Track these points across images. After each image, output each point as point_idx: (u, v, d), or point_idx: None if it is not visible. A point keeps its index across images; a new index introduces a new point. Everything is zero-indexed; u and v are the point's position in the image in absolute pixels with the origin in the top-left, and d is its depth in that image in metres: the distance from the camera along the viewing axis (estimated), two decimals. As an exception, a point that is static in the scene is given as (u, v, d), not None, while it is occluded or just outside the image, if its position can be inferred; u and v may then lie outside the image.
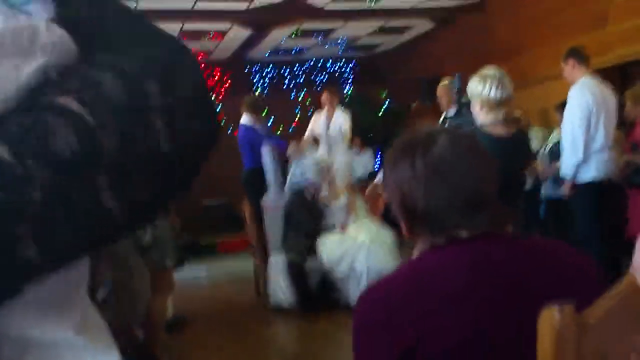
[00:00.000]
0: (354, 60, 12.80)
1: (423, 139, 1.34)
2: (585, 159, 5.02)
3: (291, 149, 6.86)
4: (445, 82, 6.33)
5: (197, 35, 9.93)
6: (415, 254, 1.39)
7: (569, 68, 5.27)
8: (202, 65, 11.61)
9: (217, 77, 11.89)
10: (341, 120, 7.54)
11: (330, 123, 7.47)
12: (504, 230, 1.37)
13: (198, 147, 0.51)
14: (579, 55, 5.25)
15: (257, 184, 7.04)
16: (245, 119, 7.17)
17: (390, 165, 1.37)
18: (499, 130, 3.46)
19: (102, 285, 4.86)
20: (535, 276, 1.26)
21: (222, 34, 10.02)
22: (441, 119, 6.50)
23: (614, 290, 0.87)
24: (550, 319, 0.83)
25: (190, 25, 9.32)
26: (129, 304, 4.33)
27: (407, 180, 1.31)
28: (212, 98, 0.55)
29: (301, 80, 12.49)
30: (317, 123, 7.60)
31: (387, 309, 1.21)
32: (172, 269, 4.72)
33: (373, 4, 8.82)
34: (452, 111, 6.15)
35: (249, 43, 10.71)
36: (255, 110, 7.13)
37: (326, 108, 7.51)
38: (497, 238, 1.31)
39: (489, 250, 1.27)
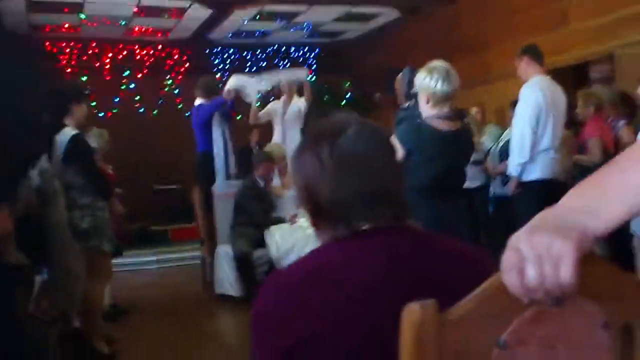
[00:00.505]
0: (318, 48, 12.59)
1: (331, 129, 1.31)
2: (532, 159, 4.97)
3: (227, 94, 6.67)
4: (401, 74, 6.19)
5: (155, 11, 9.60)
6: (319, 244, 1.35)
7: (523, 65, 5.24)
8: (160, 45, 11.31)
9: (175, 57, 11.55)
10: (300, 106, 7.37)
11: (288, 108, 7.29)
12: (407, 225, 1.35)
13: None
14: (533, 54, 5.21)
15: (208, 170, 6.81)
16: (198, 102, 6.92)
17: (297, 154, 1.35)
18: (443, 125, 3.46)
19: (38, 272, 4.69)
20: (435, 271, 1.26)
21: (181, 11, 9.70)
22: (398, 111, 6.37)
23: (479, 288, 0.89)
24: (412, 316, 0.85)
25: (147, 1, 8.99)
26: (65, 292, 4.15)
27: (313, 170, 1.29)
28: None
29: (263, 65, 12.23)
30: (274, 107, 7.41)
31: (285, 300, 1.20)
32: (109, 256, 4.54)
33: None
34: (407, 103, 6.01)
35: (209, 23, 10.42)
36: (208, 92, 6.87)
37: (284, 95, 7.33)
38: (400, 232, 1.30)
39: (391, 244, 1.26)
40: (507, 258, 0.83)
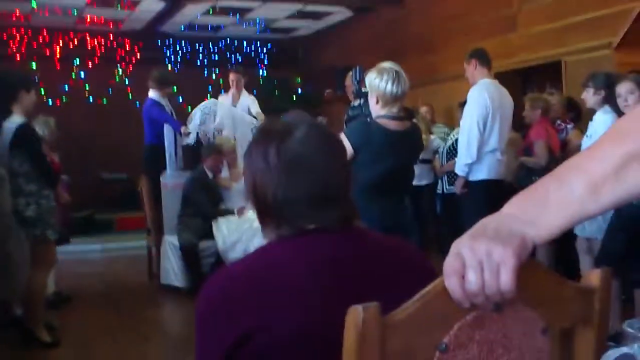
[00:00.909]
0: (270, 43, 12.66)
1: (280, 129, 1.33)
2: (478, 159, 5.12)
3: (185, 131, 6.69)
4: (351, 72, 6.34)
5: (108, 1, 9.53)
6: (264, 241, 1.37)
7: (471, 68, 5.36)
8: (112, 35, 11.21)
9: (127, 48, 11.47)
10: (249, 102, 7.39)
11: (237, 105, 7.31)
12: (352, 225, 1.36)
13: None
14: (481, 57, 5.34)
15: (156, 161, 6.83)
16: (152, 93, 6.92)
17: (248, 151, 1.37)
18: (393, 125, 3.50)
19: None
20: (377, 273, 1.29)
21: (134, 3, 9.66)
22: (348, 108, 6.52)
23: (422, 292, 0.89)
24: (355, 318, 0.85)
25: (100, -8, 8.95)
26: (8, 279, 4.15)
27: (260, 169, 1.30)
28: None
29: (215, 59, 12.24)
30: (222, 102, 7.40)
31: (226, 297, 1.23)
32: (53, 244, 4.53)
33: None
34: (358, 101, 6.17)
35: (162, 16, 10.39)
36: (162, 84, 6.89)
37: (232, 90, 7.34)
38: (344, 233, 1.31)
39: (333, 244, 1.28)
40: (449, 263, 0.85)
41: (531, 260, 0.89)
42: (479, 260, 0.84)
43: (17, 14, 10.05)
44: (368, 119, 3.69)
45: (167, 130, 6.77)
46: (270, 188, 1.28)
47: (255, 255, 1.33)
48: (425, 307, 0.88)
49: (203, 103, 7.02)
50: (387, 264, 1.32)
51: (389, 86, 3.46)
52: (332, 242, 1.28)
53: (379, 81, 3.49)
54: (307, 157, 1.29)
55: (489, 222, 0.89)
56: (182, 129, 6.69)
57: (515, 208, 0.91)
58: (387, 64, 3.58)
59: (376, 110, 3.55)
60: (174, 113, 7.06)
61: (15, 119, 4.09)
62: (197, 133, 6.68)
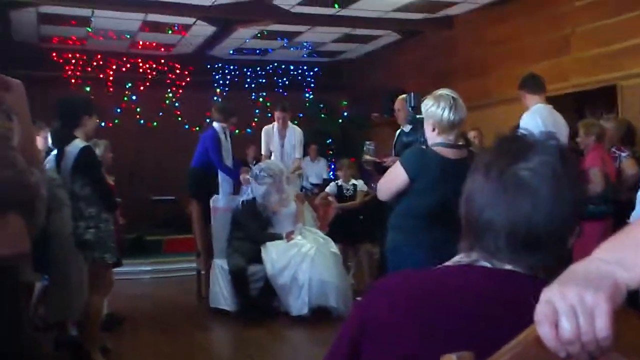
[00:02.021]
0: (317, 66, 12.75)
1: (518, 149, 1.20)
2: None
3: (243, 178, 6.75)
4: (403, 95, 6.31)
5: (160, 27, 9.74)
6: (455, 260, 1.30)
7: (524, 93, 5.29)
8: (163, 59, 11.46)
9: (177, 71, 11.70)
10: (295, 136, 7.41)
11: (285, 141, 7.32)
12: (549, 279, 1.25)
13: None
14: (535, 82, 5.28)
15: (201, 184, 6.93)
16: (215, 124, 7.05)
17: (479, 158, 1.28)
18: (449, 153, 3.44)
19: (39, 279, 4.75)
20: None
21: (186, 28, 9.86)
22: (397, 132, 6.48)
23: (515, 340, 0.86)
24: None
25: (153, 17, 9.14)
26: (65, 300, 4.23)
27: (477, 181, 1.22)
28: None
29: (262, 82, 12.38)
30: (271, 140, 7.38)
31: (391, 307, 1.18)
32: (111, 268, 4.60)
33: (339, 8, 8.76)
34: (408, 126, 6.13)
35: (212, 40, 10.57)
36: (227, 115, 7.03)
37: (278, 125, 7.30)
38: (532, 282, 1.16)
39: (512, 292, 1.16)
40: (541, 311, 0.82)
41: (623, 307, 0.85)
42: (571, 306, 0.80)
43: (74, 39, 10.35)
44: (424, 146, 3.64)
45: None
46: (478, 204, 1.21)
47: (433, 275, 1.26)
48: (518, 355, 0.85)
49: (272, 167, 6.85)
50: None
51: (446, 113, 3.40)
52: (513, 286, 1.17)
53: (435, 108, 3.42)
54: (530, 187, 1.15)
55: (577, 268, 0.86)
56: (242, 178, 6.74)
57: (604, 252, 0.88)
58: (444, 91, 3.52)
59: (432, 137, 3.49)
60: (230, 143, 7.13)
61: (77, 143, 4.18)
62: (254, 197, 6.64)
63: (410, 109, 4.31)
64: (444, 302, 1.17)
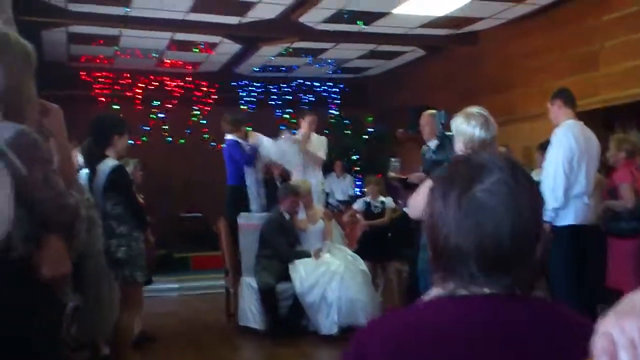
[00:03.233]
0: (341, 83, 12.78)
1: (470, 172, 1.21)
2: (564, 204, 4.95)
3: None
4: (429, 111, 6.30)
5: (187, 46, 9.85)
6: (432, 294, 1.28)
7: (555, 109, 5.19)
8: (189, 77, 11.58)
9: (203, 89, 11.80)
10: (319, 144, 7.41)
11: (309, 146, 7.31)
12: (527, 293, 1.23)
13: None
14: (566, 97, 5.18)
15: (236, 202, 6.94)
16: (229, 136, 7.08)
17: (433, 185, 1.27)
18: None
19: (79, 301, 4.78)
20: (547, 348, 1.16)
21: (212, 46, 9.96)
22: (423, 148, 6.46)
23: None
24: None
25: (180, 36, 9.25)
26: (96, 319, 4.24)
27: (438, 208, 1.22)
28: None
29: (287, 99, 12.44)
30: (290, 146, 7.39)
31: (382, 350, 1.17)
32: (141, 286, 4.61)
33: (363, 25, 8.79)
34: (434, 142, 6.11)
35: (238, 58, 10.66)
36: (237, 125, 7.04)
37: (305, 131, 7.31)
38: (513, 301, 1.19)
39: (498, 315, 1.17)
40: (599, 343, 0.79)
41: None
42: (630, 340, 0.76)
43: (101, 58, 10.51)
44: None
45: (249, 171, 6.89)
46: (442, 233, 1.20)
47: (418, 311, 1.25)
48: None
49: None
50: (556, 341, 1.18)
51: (477, 131, 3.40)
52: (500, 311, 1.18)
53: (466, 126, 3.43)
54: (490, 208, 1.16)
55: (635, 297, 0.82)
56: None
57: None
58: (474, 109, 3.52)
59: (463, 155, 3.51)
60: (254, 149, 7.14)
61: (109, 162, 4.22)
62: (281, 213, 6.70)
63: (439, 126, 4.31)
64: (443, 340, 1.16)
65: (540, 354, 1.16)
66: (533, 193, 1.23)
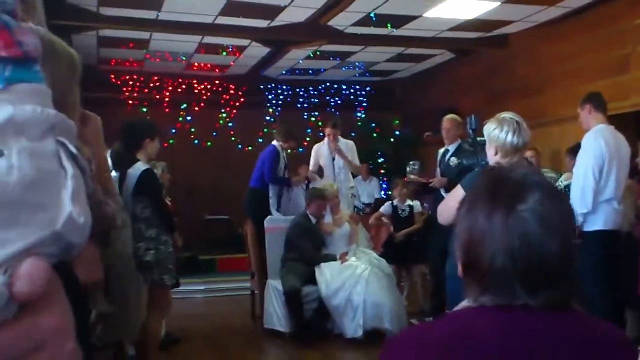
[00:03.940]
0: (368, 86, 12.76)
1: (512, 190, 1.21)
2: (594, 209, 4.89)
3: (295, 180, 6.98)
4: (452, 115, 6.29)
5: (215, 49, 9.91)
6: (463, 305, 1.28)
7: (585, 113, 5.14)
8: (217, 80, 11.66)
9: (231, 92, 11.87)
10: (347, 149, 7.40)
11: (335, 156, 7.33)
12: (566, 307, 1.23)
13: None
14: (597, 101, 5.12)
15: (261, 204, 6.99)
16: (275, 142, 7.17)
17: (469, 200, 1.26)
18: None
19: (111, 310, 4.83)
20: None
21: (240, 49, 10.01)
22: (442, 150, 6.43)
23: None
24: None
25: (209, 39, 9.31)
26: (123, 320, 4.28)
27: (481, 229, 1.20)
28: None
29: (315, 102, 12.46)
30: (321, 157, 7.42)
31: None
32: (169, 289, 4.64)
33: (391, 28, 8.77)
34: (453, 146, 6.10)
35: (266, 61, 10.70)
36: (286, 138, 7.17)
37: (329, 141, 7.32)
38: (551, 313, 1.19)
39: (536, 325, 1.18)
40: None
41: None
42: None
43: (131, 61, 10.62)
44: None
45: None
46: (488, 252, 1.18)
47: (452, 321, 1.26)
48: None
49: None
50: (589, 356, 1.20)
51: (510, 137, 3.40)
52: (535, 323, 1.18)
53: (498, 132, 3.43)
54: (536, 228, 1.17)
55: None
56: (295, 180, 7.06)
57: None
58: (507, 114, 3.52)
59: (495, 161, 3.47)
60: (288, 166, 7.22)
61: (139, 166, 4.26)
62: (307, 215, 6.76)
63: (470, 131, 4.28)
64: (476, 349, 1.17)
65: None
66: (569, 209, 1.25)
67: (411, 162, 6.34)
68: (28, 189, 0.51)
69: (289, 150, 7.61)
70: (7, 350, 0.51)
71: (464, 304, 1.27)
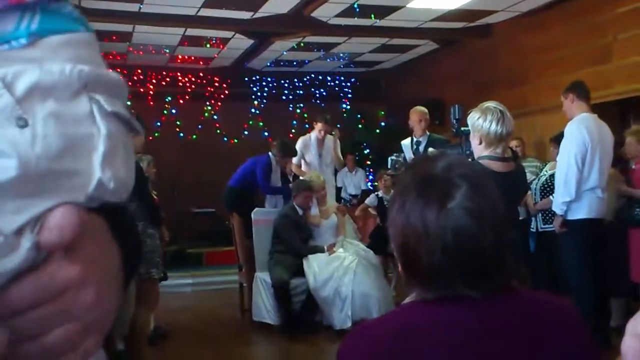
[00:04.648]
0: (353, 77, 12.76)
1: (438, 188, 1.21)
2: (577, 197, 4.94)
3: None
4: (420, 107, 6.31)
5: (199, 41, 9.87)
6: (407, 300, 1.32)
7: (568, 102, 5.19)
8: (201, 72, 11.60)
9: (216, 84, 11.82)
10: (331, 146, 7.45)
11: (322, 150, 7.35)
12: (506, 287, 1.27)
13: None
14: (580, 90, 5.17)
15: (240, 200, 7.00)
16: (270, 154, 7.11)
17: (399, 202, 1.25)
18: (497, 166, 3.39)
19: None
20: (522, 342, 1.23)
21: (224, 41, 9.97)
22: (407, 142, 6.43)
23: None
24: None
25: (192, 31, 9.26)
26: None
27: (416, 232, 1.21)
28: None
29: (300, 93, 12.44)
30: (307, 150, 7.41)
31: (369, 354, 1.21)
32: (157, 283, 4.63)
33: (374, 19, 8.77)
34: (424, 137, 6.13)
35: (250, 52, 10.66)
36: (283, 154, 7.03)
37: (318, 136, 7.32)
38: (493, 298, 1.23)
39: (479, 313, 1.22)
40: (628, 345, 0.74)
41: None
42: None
43: (114, 54, 10.54)
44: (470, 159, 3.60)
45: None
46: (424, 252, 1.19)
47: (397, 317, 1.30)
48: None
49: None
50: (536, 331, 1.23)
51: (493, 126, 3.38)
52: (479, 310, 1.21)
53: (482, 121, 3.41)
54: (467, 222, 1.18)
55: None
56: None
57: None
58: (491, 104, 3.50)
59: (479, 150, 3.47)
60: (280, 175, 7.25)
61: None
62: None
63: (454, 121, 4.29)
64: (426, 338, 1.21)
65: (521, 344, 1.23)
66: (496, 196, 1.25)
67: (393, 157, 6.32)
68: (54, 159, 0.49)
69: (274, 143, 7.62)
70: (25, 304, 0.50)
71: (410, 298, 1.31)
